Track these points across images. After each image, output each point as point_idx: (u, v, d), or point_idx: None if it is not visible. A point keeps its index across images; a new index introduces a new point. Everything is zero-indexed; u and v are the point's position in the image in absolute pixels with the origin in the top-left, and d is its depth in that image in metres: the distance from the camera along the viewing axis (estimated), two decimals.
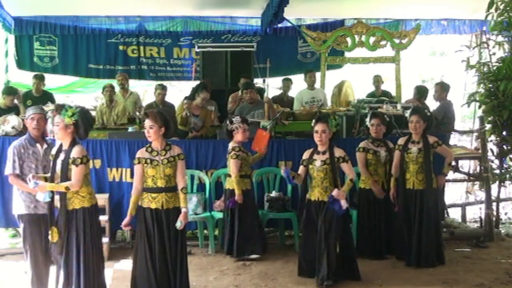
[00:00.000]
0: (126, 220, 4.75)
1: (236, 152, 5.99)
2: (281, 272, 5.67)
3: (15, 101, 8.21)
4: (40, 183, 4.35)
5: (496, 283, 5.32)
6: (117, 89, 8.71)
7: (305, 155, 5.38)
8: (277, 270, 5.72)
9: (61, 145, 4.47)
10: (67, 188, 4.36)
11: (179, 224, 4.65)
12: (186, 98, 7.41)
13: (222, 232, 6.32)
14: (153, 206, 4.69)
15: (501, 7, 7.19)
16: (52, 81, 10.00)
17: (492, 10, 7.22)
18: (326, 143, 5.22)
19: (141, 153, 4.73)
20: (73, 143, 4.43)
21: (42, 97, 8.12)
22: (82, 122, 4.43)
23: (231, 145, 6.08)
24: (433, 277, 5.48)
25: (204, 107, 7.40)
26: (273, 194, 6.51)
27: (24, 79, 10.04)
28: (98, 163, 6.55)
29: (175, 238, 4.70)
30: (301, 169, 5.39)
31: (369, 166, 6.14)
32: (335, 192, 5.08)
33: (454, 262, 5.98)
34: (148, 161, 4.67)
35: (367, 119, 6.28)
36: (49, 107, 6.96)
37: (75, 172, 4.36)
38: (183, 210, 4.68)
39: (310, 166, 5.26)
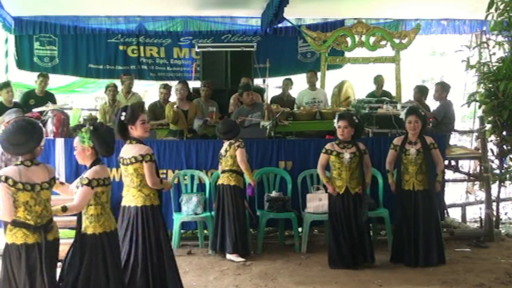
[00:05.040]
0: None
1: (242, 142, 6.07)
2: (281, 272, 5.67)
3: (15, 99, 8.19)
4: None
5: (496, 283, 5.31)
6: (119, 88, 8.71)
7: None
8: (277, 270, 5.72)
9: None
10: None
11: None
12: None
13: (213, 230, 6.20)
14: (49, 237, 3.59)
15: (501, 7, 7.18)
16: (52, 81, 9.96)
17: (492, 10, 7.21)
18: (84, 161, 3.88)
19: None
20: None
21: (45, 97, 8.09)
22: None
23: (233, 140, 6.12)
24: (433, 277, 5.48)
25: (193, 103, 7.78)
26: (273, 194, 6.52)
27: (24, 79, 10.05)
28: None
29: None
30: None
31: (333, 170, 5.71)
32: None
33: (454, 262, 5.98)
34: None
35: (335, 120, 5.76)
36: (49, 107, 6.97)
37: None
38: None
39: None
